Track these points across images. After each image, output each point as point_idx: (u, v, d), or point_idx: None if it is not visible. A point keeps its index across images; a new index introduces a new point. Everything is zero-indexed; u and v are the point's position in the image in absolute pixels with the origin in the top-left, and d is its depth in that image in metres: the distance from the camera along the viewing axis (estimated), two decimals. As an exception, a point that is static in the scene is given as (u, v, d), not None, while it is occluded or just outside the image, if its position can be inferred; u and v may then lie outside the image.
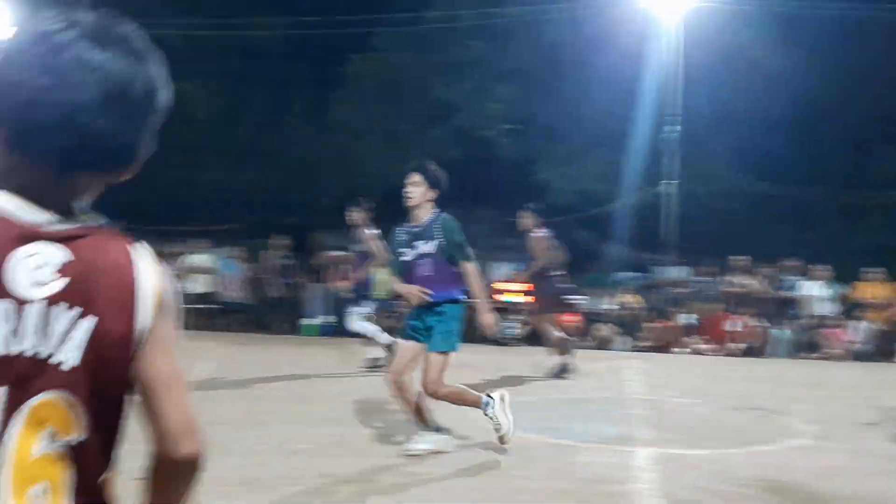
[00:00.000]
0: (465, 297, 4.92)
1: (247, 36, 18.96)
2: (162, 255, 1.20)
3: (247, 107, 19.49)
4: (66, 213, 1.04)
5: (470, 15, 17.22)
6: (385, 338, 8.49)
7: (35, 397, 0.98)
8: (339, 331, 14.54)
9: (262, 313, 15.14)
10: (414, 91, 17.98)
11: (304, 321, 14.68)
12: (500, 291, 14.43)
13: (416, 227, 4.87)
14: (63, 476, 1.00)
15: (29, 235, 1.00)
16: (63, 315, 1.00)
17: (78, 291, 1.00)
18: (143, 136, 1.08)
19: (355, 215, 8.57)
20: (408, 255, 4.86)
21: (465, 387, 4.93)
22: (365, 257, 8.50)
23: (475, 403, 4.78)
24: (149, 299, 1.05)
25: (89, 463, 1.03)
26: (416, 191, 4.87)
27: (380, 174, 17.61)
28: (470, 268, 4.84)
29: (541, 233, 8.80)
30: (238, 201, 20.56)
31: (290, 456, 4.74)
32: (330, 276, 15.07)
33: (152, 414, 1.08)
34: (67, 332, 1.00)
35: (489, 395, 4.77)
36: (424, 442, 4.75)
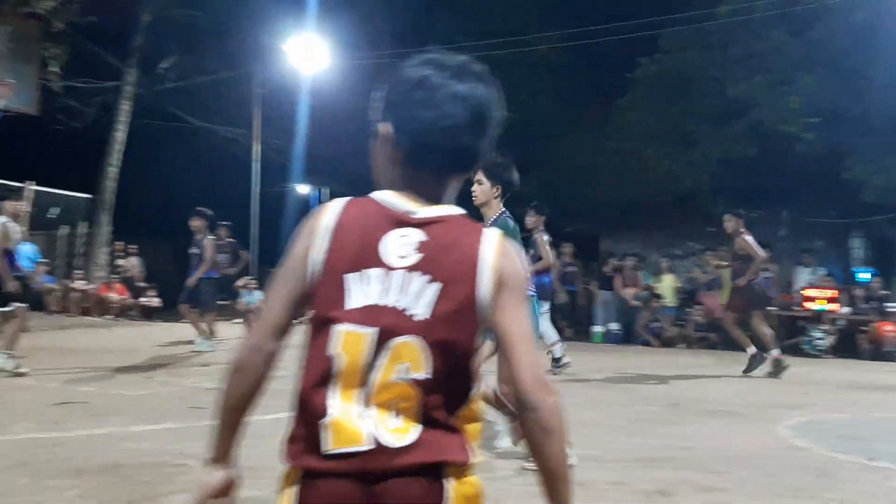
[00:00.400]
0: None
1: (534, 50, 19.51)
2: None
3: (533, 118, 20.04)
4: (436, 205, 1.41)
5: (766, 5, 16.14)
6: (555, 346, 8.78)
7: (397, 338, 1.32)
8: (625, 338, 14.46)
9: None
10: (705, 89, 17.26)
11: (595, 328, 14.72)
12: (810, 299, 13.38)
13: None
14: (412, 400, 1.31)
15: (401, 221, 1.37)
16: (417, 280, 1.34)
17: (429, 263, 1.35)
18: (489, 146, 1.44)
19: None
20: None
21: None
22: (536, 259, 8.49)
23: None
24: (488, 273, 1.35)
25: (434, 394, 1.32)
26: (479, 188, 4.65)
27: (669, 178, 17.12)
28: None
29: (749, 235, 9.12)
30: (522, 209, 21.19)
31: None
32: (617, 282, 15.03)
33: (510, 365, 1.38)
34: (420, 292, 1.33)
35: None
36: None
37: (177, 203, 24.08)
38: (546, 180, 19.91)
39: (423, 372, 1.32)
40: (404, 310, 1.33)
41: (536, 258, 8.42)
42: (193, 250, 10.40)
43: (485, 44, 19.38)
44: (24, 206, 8.84)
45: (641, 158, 17.29)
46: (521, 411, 1.36)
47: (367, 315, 1.33)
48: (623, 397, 7.55)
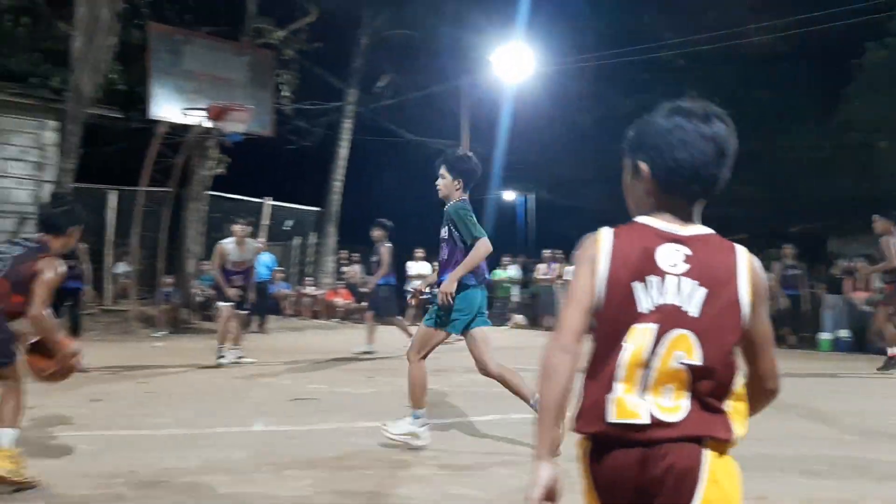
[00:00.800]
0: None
1: (748, 42, 18.50)
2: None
3: (748, 112, 18.98)
4: (692, 224, 1.74)
5: None
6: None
7: (673, 330, 1.63)
8: (856, 346, 13.27)
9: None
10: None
11: (822, 335, 13.65)
12: None
13: None
14: (684, 383, 1.63)
15: (669, 238, 1.70)
16: (688, 284, 1.65)
17: (696, 271, 1.66)
18: (728, 171, 1.75)
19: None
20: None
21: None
22: None
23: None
24: (745, 282, 1.68)
25: (703, 379, 1.63)
26: (442, 182, 5.11)
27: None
28: (478, 243, 4.91)
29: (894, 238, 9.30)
30: (741, 209, 20.10)
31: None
32: (846, 286, 13.84)
33: (755, 359, 1.76)
34: (691, 294, 1.65)
35: None
36: None
37: (394, 213, 25.43)
38: (766, 178, 18.80)
39: (695, 359, 1.62)
40: (680, 307, 1.64)
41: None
42: (374, 258, 11.11)
43: (694, 39, 18.69)
44: (247, 229, 10.03)
45: (872, 151, 15.82)
46: (767, 396, 1.79)
47: (652, 313, 1.64)
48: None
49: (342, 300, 17.94)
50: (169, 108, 13.23)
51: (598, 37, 22.28)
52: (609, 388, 1.63)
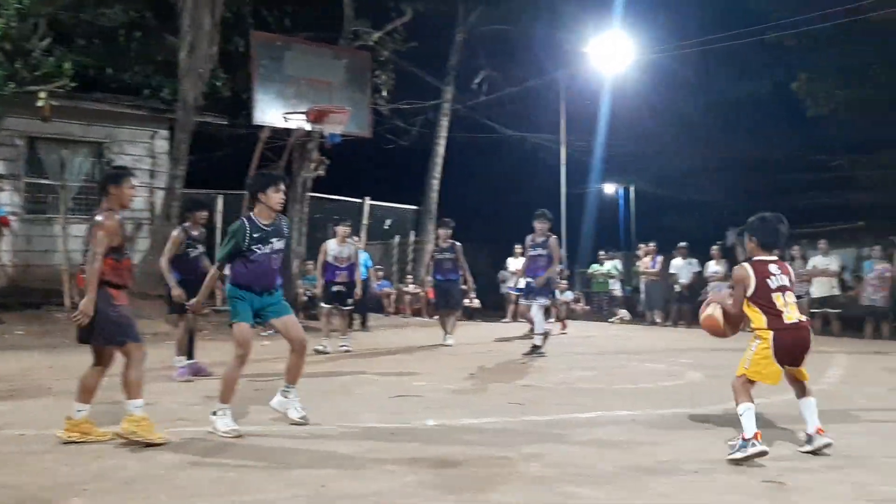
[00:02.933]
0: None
1: (866, 19, 17.43)
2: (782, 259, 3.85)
3: (873, 93, 17.86)
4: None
5: None
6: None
7: (787, 292, 4.74)
8: None
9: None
10: None
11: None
12: None
13: None
14: (796, 308, 4.77)
15: (771, 262, 4.83)
16: (783, 277, 4.78)
17: (783, 272, 4.80)
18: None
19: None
20: None
21: None
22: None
23: None
24: (791, 273, 4.88)
25: (796, 305, 4.81)
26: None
27: None
28: None
29: None
30: (863, 194, 19.03)
31: None
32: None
33: None
34: (786, 280, 4.80)
35: None
36: None
37: (492, 208, 25.44)
38: (888, 160, 17.69)
39: (795, 300, 4.77)
40: (786, 285, 4.71)
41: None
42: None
43: (805, 18, 17.76)
44: (348, 230, 10.86)
45: None
46: None
47: (778, 288, 4.68)
48: None
49: (442, 298, 17.99)
50: (272, 112, 13.59)
51: (701, 22, 21.54)
52: (780, 314, 4.63)
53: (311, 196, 17.17)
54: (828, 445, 4.55)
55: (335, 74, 14.55)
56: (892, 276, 13.54)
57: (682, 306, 16.97)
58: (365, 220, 18.04)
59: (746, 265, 4.77)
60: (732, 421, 5.75)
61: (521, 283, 11.23)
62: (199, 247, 8.14)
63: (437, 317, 13.26)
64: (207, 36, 13.84)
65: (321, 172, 17.59)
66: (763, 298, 4.65)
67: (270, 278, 5.50)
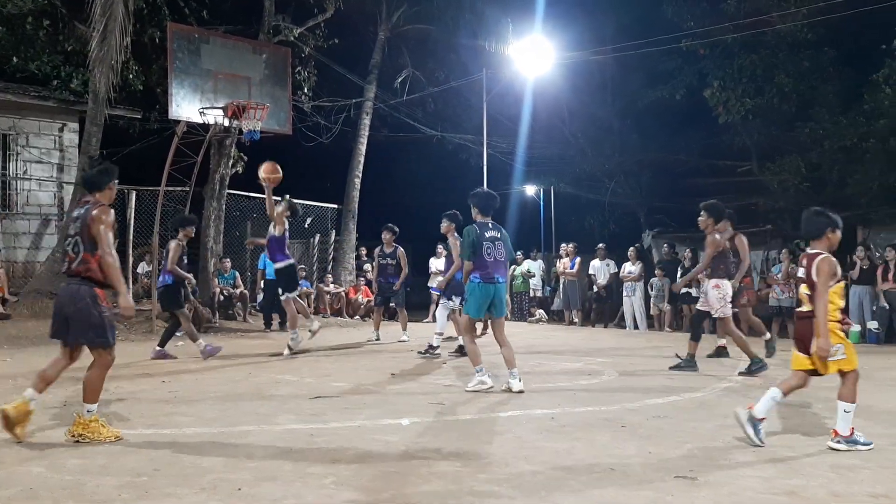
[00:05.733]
0: None
1: (772, 31, 18.23)
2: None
3: (774, 102, 18.70)
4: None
5: None
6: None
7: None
8: (886, 338, 13.04)
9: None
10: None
11: (852, 327, 13.41)
12: None
13: None
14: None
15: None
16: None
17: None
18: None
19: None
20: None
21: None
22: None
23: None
24: None
25: None
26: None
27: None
28: None
29: None
30: (768, 200, 19.83)
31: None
32: (878, 276, 13.57)
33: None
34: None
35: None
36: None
37: (414, 208, 25.42)
38: (791, 166, 18.53)
39: None
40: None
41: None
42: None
43: (718, 27, 18.42)
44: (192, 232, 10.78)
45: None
46: None
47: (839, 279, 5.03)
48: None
49: (363, 297, 17.90)
50: (188, 107, 13.20)
51: (618, 27, 22.08)
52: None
53: (229, 193, 16.82)
54: None
55: (255, 69, 14.24)
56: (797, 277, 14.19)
57: (599, 306, 17.36)
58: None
59: (833, 259, 4.95)
60: (647, 418, 5.90)
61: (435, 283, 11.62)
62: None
63: (371, 316, 13.55)
64: (120, 26, 13.36)
65: (239, 169, 17.24)
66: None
67: None
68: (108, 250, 4.99)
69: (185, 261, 10.10)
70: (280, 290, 10.36)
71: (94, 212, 5.03)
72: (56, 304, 5.17)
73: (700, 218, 8.83)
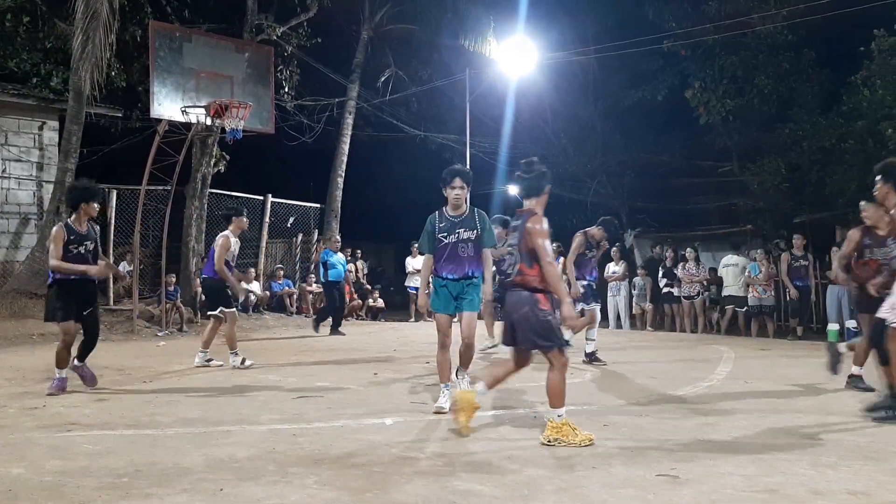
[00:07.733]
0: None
1: (752, 32, 18.39)
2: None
3: (754, 102, 18.85)
4: None
5: None
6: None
7: None
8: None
9: (782, 316, 14.46)
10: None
11: (830, 326, 13.55)
12: None
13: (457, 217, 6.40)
14: None
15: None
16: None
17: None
18: None
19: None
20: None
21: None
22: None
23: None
24: None
25: None
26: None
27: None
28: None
29: None
30: (748, 200, 19.98)
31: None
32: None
33: None
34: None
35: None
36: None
37: (396, 207, 25.38)
38: (771, 167, 18.68)
39: None
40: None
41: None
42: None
43: (699, 28, 18.55)
44: (247, 223, 9.69)
45: (881, 139, 15.66)
46: None
47: None
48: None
49: (346, 298, 17.84)
50: (170, 106, 13.12)
51: (601, 28, 22.17)
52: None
53: (212, 192, 16.73)
54: None
55: (237, 68, 14.18)
56: (776, 276, 14.34)
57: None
58: (267, 218, 17.70)
59: None
60: (628, 417, 5.93)
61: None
62: (87, 243, 7.04)
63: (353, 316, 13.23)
64: (104, 24, 13.25)
65: (222, 168, 17.15)
66: None
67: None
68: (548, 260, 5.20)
69: (233, 261, 9.14)
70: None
71: (528, 224, 5.30)
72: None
73: (878, 187, 6.36)
